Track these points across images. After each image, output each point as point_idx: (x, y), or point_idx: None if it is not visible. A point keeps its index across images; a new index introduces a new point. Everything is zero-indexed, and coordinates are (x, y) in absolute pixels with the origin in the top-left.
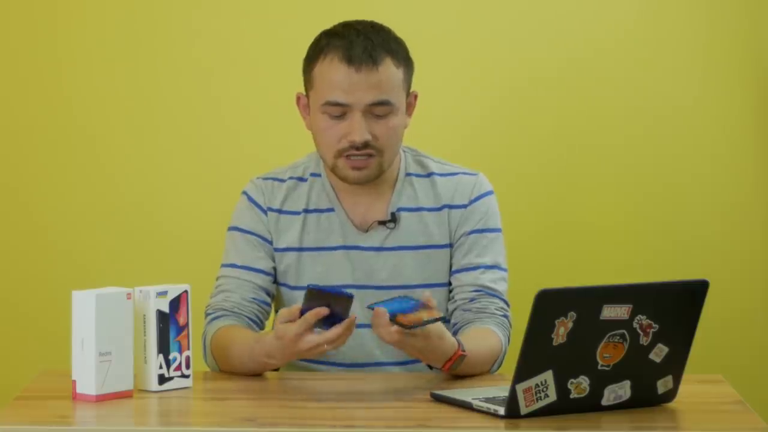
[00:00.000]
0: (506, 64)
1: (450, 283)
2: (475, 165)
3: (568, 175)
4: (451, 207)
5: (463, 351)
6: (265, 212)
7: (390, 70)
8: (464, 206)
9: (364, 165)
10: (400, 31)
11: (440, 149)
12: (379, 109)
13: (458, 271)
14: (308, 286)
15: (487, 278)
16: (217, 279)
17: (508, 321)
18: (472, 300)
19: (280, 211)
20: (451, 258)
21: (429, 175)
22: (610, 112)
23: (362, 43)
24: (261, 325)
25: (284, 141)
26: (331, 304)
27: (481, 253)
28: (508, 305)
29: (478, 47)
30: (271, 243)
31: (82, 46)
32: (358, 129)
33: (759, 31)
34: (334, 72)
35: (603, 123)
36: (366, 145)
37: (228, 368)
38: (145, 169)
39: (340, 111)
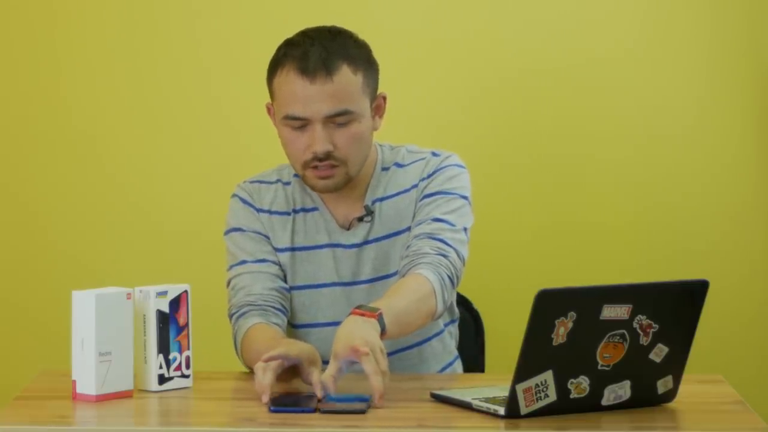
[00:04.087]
0: (506, 63)
1: None
2: (474, 164)
3: (568, 175)
4: (419, 182)
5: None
6: (258, 211)
7: (347, 77)
8: (424, 179)
9: (330, 174)
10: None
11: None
12: (339, 119)
13: (411, 230)
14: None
15: (430, 227)
16: (229, 283)
17: (446, 258)
18: (408, 247)
19: (270, 212)
20: None
21: (401, 165)
22: (610, 113)
23: (317, 52)
24: (287, 313)
25: None
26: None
27: (432, 210)
28: (448, 245)
29: (479, 46)
30: (269, 240)
31: (82, 46)
32: (318, 140)
33: (760, 33)
34: (291, 85)
35: (603, 123)
36: (328, 155)
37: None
38: (146, 170)
39: (300, 123)
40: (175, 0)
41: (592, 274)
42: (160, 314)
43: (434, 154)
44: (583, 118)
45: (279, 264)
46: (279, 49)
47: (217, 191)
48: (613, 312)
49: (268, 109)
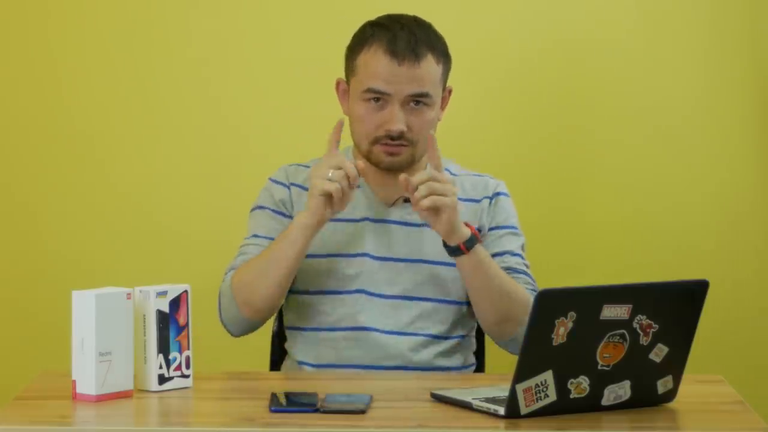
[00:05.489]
0: (504, 64)
1: None
2: (475, 164)
3: (568, 176)
4: (478, 200)
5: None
6: (287, 187)
7: (431, 65)
8: (489, 198)
9: (398, 152)
10: None
11: (440, 147)
12: (417, 101)
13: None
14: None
15: (513, 261)
16: (239, 249)
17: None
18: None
19: (302, 187)
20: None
21: (455, 175)
22: (610, 113)
23: (406, 37)
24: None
25: (285, 139)
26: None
27: (506, 244)
28: (533, 280)
29: (477, 46)
30: (288, 217)
31: (82, 46)
32: (395, 119)
33: (760, 32)
34: (378, 62)
35: (603, 123)
36: (401, 135)
37: (251, 285)
38: (145, 169)
39: (379, 98)
40: None
41: (592, 274)
42: (160, 314)
43: (490, 177)
44: (583, 118)
45: None
46: (364, 29)
47: (216, 191)
48: (613, 312)
49: (337, 84)
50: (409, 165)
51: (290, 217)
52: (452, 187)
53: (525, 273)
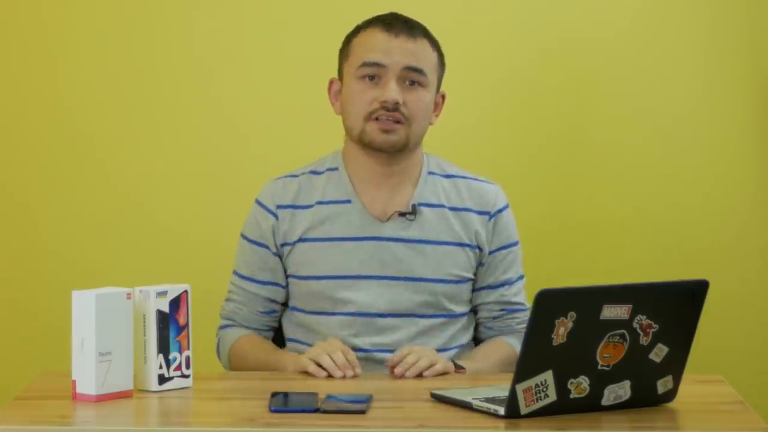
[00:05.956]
0: (503, 64)
1: (468, 279)
2: (475, 165)
3: (568, 176)
4: (475, 212)
5: (460, 368)
6: (275, 215)
7: (426, 47)
8: (489, 215)
9: (393, 128)
10: None
11: (439, 149)
12: (412, 76)
13: (483, 288)
14: (271, 410)
15: (511, 293)
16: (230, 283)
17: None
18: (495, 318)
19: (293, 206)
20: (474, 267)
21: (451, 176)
22: (610, 113)
23: (402, 20)
24: (272, 332)
25: (285, 139)
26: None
27: (507, 269)
28: (528, 306)
29: (476, 47)
30: (276, 252)
31: (82, 46)
32: (390, 90)
33: (760, 32)
34: (374, 38)
35: (603, 124)
36: (396, 108)
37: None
38: (145, 170)
39: (375, 73)
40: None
41: (592, 274)
42: (160, 314)
43: (486, 183)
44: (583, 118)
45: (276, 282)
46: (358, 24)
47: (216, 192)
48: (613, 312)
49: (330, 84)
50: (404, 147)
51: (274, 250)
52: (433, 356)
53: (521, 307)
